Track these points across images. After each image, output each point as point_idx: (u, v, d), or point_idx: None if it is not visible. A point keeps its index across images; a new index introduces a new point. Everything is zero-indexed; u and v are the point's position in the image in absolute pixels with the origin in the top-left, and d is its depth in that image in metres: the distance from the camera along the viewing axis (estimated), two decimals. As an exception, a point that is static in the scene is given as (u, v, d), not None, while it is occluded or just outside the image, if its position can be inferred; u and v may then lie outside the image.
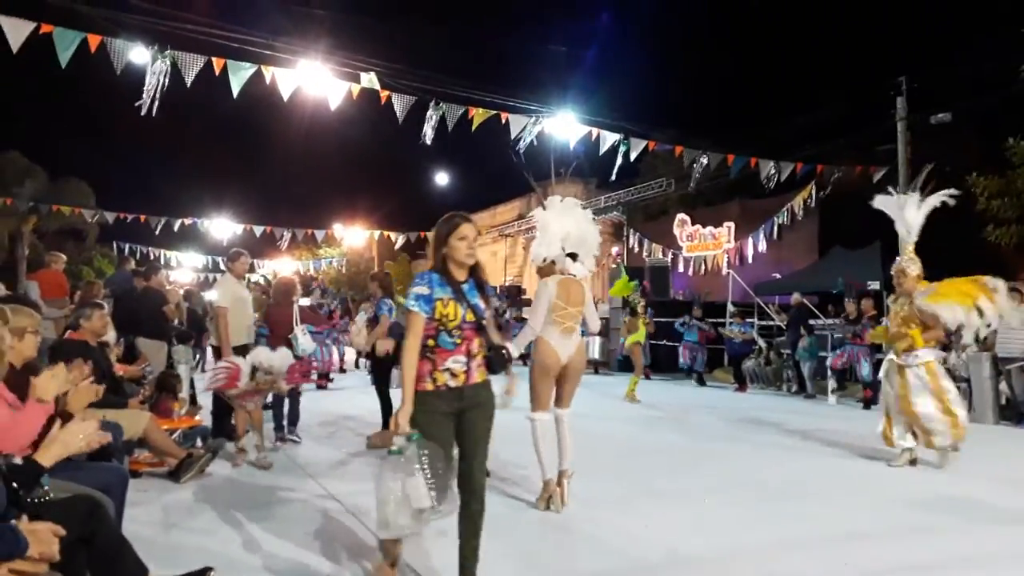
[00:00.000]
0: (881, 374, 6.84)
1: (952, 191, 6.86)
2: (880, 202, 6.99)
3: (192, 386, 8.24)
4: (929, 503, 5.24)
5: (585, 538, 4.39)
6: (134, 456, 5.51)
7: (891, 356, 6.69)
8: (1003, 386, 9.39)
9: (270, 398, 7.04)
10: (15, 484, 2.58)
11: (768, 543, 4.31)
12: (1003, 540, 4.45)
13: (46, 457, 2.69)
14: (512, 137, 11.98)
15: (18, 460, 2.69)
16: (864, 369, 11.03)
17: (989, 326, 6.51)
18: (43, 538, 2.34)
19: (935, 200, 6.80)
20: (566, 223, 5.17)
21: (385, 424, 6.99)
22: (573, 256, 5.16)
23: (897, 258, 6.85)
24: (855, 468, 6.48)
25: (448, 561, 3.44)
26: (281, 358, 6.32)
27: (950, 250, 15.86)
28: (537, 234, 5.28)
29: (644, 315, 12.67)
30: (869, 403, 10.79)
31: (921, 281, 6.54)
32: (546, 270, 5.20)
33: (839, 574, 3.82)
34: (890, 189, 7.20)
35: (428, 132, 11.59)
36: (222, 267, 32.13)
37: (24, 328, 3.70)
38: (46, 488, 2.75)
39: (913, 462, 6.48)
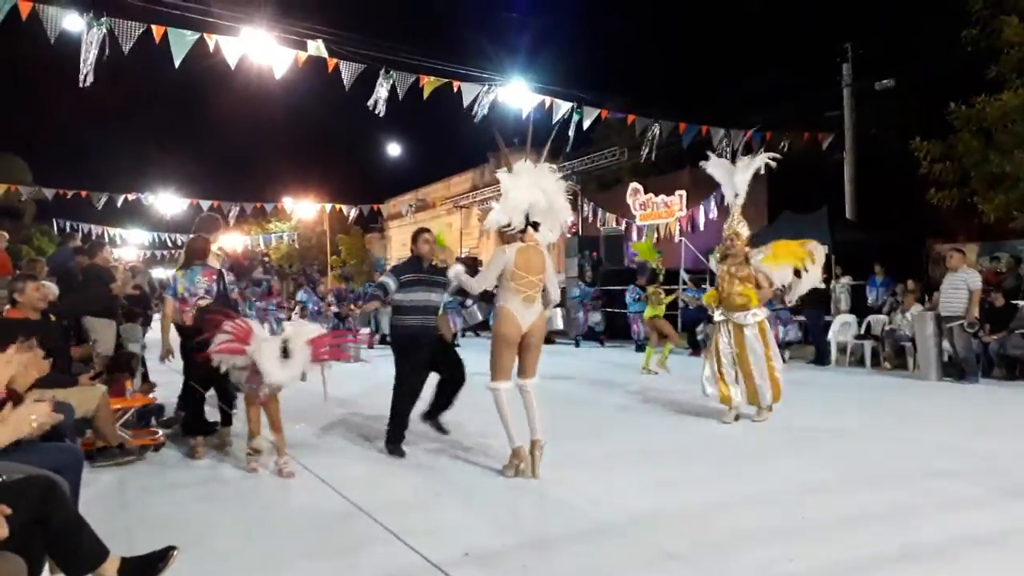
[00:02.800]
0: (718, 334, 6.90)
1: (772, 154, 7.14)
2: (711, 165, 7.09)
3: (143, 364, 8.03)
4: (878, 458, 5.42)
5: (554, 502, 4.45)
6: (85, 437, 5.36)
7: (722, 316, 6.88)
8: (945, 344, 9.72)
9: None
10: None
11: (732, 500, 4.41)
12: (951, 491, 4.61)
13: None
14: (465, 106, 11.88)
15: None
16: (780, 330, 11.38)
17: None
18: None
19: (760, 161, 7.00)
20: (532, 191, 4.96)
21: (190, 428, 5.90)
22: (535, 225, 5.06)
23: (728, 220, 7.01)
24: (803, 426, 6.66)
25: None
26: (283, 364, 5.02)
27: (894, 213, 16.33)
28: (500, 199, 5.17)
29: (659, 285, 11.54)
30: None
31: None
32: (508, 237, 5.09)
33: (796, 526, 3.94)
34: (709, 155, 7.26)
35: (379, 101, 11.38)
36: (169, 243, 30.97)
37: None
38: (-2, 470, 2.66)
39: (737, 417, 6.77)
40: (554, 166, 5.31)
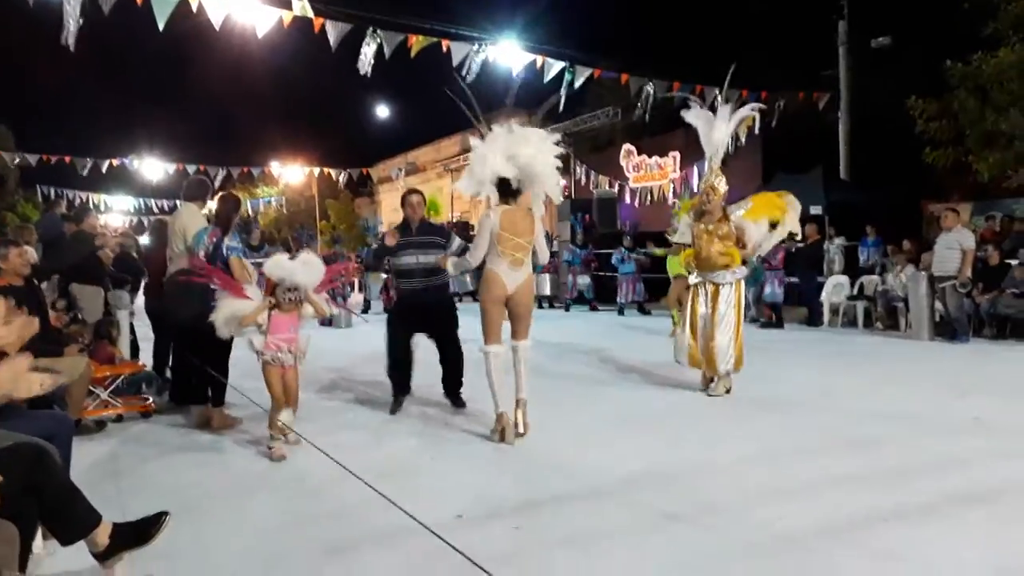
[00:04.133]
0: (695, 298, 6.48)
1: (757, 105, 6.79)
2: (690, 116, 6.59)
3: (132, 331, 7.96)
4: (869, 417, 5.43)
5: (546, 465, 4.43)
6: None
7: (699, 278, 6.45)
8: (938, 304, 9.74)
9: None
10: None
11: (725, 462, 4.41)
12: (942, 450, 4.63)
13: None
14: (455, 66, 11.65)
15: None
16: (768, 290, 11.47)
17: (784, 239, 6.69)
18: None
19: (742, 115, 6.72)
20: (500, 159, 4.85)
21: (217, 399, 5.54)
22: (515, 192, 4.98)
23: (704, 174, 6.61)
24: (795, 387, 6.68)
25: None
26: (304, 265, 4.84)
27: (889, 172, 16.27)
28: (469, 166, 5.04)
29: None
30: (768, 324, 11.36)
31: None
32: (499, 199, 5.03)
33: (791, 487, 3.95)
34: (691, 103, 6.75)
35: (366, 62, 11.16)
36: (155, 209, 30.54)
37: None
38: (-14, 438, 2.63)
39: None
40: (541, 130, 5.13)
